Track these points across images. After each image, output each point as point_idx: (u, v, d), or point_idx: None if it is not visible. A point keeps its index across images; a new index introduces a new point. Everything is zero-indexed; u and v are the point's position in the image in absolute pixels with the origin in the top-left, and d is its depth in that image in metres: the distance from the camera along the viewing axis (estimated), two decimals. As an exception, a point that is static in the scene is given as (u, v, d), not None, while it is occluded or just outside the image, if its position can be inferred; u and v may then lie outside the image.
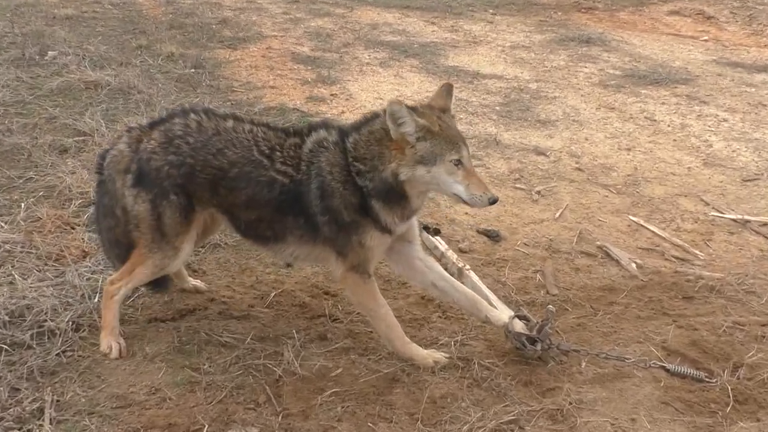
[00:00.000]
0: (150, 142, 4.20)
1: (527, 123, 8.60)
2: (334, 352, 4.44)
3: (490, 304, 4.70)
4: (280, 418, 3.88)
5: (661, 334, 4.67)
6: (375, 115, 4.25)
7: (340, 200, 4.09)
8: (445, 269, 5.18)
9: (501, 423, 3.80)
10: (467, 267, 5.23)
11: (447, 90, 4.28)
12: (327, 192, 4.08)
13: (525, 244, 5.85)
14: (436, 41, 12.29)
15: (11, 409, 3.81)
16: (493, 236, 5.92)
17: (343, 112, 8.66)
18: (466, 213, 6.33)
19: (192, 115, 4.26)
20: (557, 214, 6.39)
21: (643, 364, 4.28)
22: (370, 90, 9.55)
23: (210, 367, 4.22)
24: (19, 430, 3.70)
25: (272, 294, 5.00)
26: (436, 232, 5.87)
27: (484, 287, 4.97)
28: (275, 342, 4.48)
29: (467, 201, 4.00)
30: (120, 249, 4.43)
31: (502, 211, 6.40)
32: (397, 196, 4.09)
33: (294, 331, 4.56)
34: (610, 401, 4.01)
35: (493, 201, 4.00)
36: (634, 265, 5.55)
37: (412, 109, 4.04)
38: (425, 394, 4.03)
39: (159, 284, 4.70)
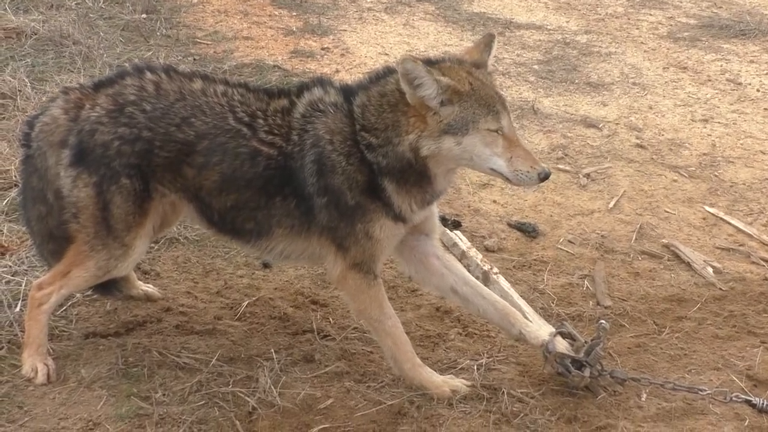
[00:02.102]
0: (95, 108, 4.17)
1: (574, 86, 8.61)
2: (323, 377, 4.45)
3: (525, 317, 4.71)
4: (253, 462, 3.89)
5: (745, 359, 4.68)
6: (387, 71, 4.23)
7: (343, 177, 4.08)
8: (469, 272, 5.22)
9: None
10: (495, 270, 5.23)
11: (487, 41, 4.29)
12: (326, 167, 4.08)
13: (569, 242, 5.86)
14: (458, -21, 12.30)
15: None
16: (528, 231, 5.93)
17: (337, 71, 8.66)
18: (495, 201, 6.34)
19: (149, 75, 4.24)
20: (611, 204, 6.40)
21: (723, 398, 4.28)
22: (373, 43, 9.55)
23: (164, 395, 4.23)
24: None
25: (245, 303, 5.01)
26: (456, 225, 5.88)
27: (516, 296, 4.97)
28: (248, 364, 4.49)
29: (510, 178, 4.00)
30: (55, 243, 4.43)
31: (540, 199, 6.41)
32: (416, 175, 4.09)
33: (272, 350, 4.57)
34: (677, 445, 4.03)
35: (545, 176, 3.99)
36: (710, 270, 5.56)
37: (433, 65, 4.02)
38: (440, 433, 4.04)
39: (101, 289, 4.72)
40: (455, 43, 9.69)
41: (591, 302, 5.20)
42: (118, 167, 4.11)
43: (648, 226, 6.12)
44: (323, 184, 4.08)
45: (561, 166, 6.91)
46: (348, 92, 4.21)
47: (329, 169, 4.06)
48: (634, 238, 5.95)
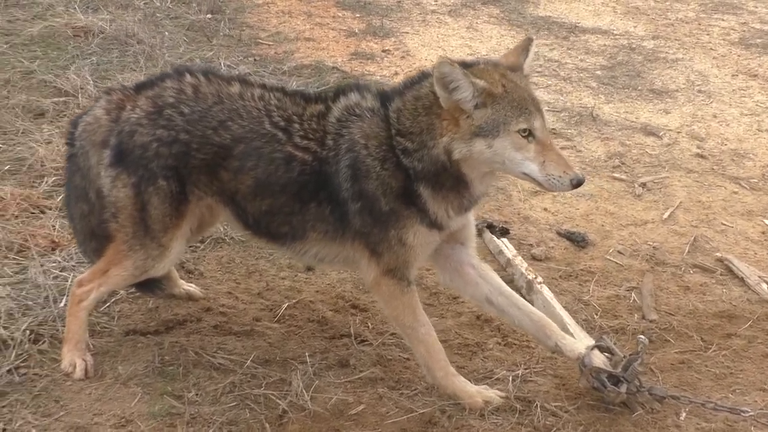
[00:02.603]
0: (135, 110, 4.22)
1: (636, 93, 8.47)
2: (356, 382, 4.44)
3: (565, 329, 4.64)
4: (280, 467, 3.89)
5: (795, 380, 4.55)
6: (422, 76, 4.22)
7: (378, 183, 4.07)
8: (511, 281, 5.18)
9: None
10: (539, 280, 5.18)
11: (524, 45, 4.22)
12: (361, 172, 4.07)
13: (619, 253, 5.76)
14: (527, -17, 12.20)
15: (-55, 440, 3.90)
16: (577, 241, 5.84)
17: (396, 73, 8.66)
18: (546, 209, 6.26)
19: (188, 78, 4.28)
20: (666, 214, 6.28)
21: (767, 420, 4.16)
22: (434, 45, 9.53)
23: (197, 395, 4.25)
24: (-48, 465, 3.78)
25: (284, 305, 5.02)
26: (504, 232, 5.82)
27: (558, 307, 4.91)
28: (282, 367, 4.49)
29: (542, 183, 3.94)
30: (97, 242, 4.48)
31: (593, 208, 6.31)
32: (452, 180, 4.06)
33: (307, 353, 4.57)
34: (715, 468, 3.92)
35: (577, 183, 3.91)
36: (765, 286, 5.41)
37: (468, 68, 3.99)
38: (469, 445, 4.00)
39: (145, 287, 4.77)
40: (518, 47, 9.59)
41: (636, 316, 5.09)
42: (155, 169, 4.14)
43: (702, 239, 5.98)
44: (357, 189, 4.06)
45: (616, 175, 6.81)
46: (384, 97, 4.20)
47: (364, 174, 4.05)
48: (686, 250, 5.82)
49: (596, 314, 5.08)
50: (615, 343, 4.51)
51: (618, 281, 5.44)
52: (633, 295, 5.29)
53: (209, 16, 9.93)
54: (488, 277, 4.41)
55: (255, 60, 8.76)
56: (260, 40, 9.37)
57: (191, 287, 5.04)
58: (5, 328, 4.58)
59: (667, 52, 9.68)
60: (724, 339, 4.91)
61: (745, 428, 4.15)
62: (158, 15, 9.85)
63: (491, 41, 9.76)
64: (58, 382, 4.32)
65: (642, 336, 4.28)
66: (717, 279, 5.52)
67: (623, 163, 6.99)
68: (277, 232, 4.29)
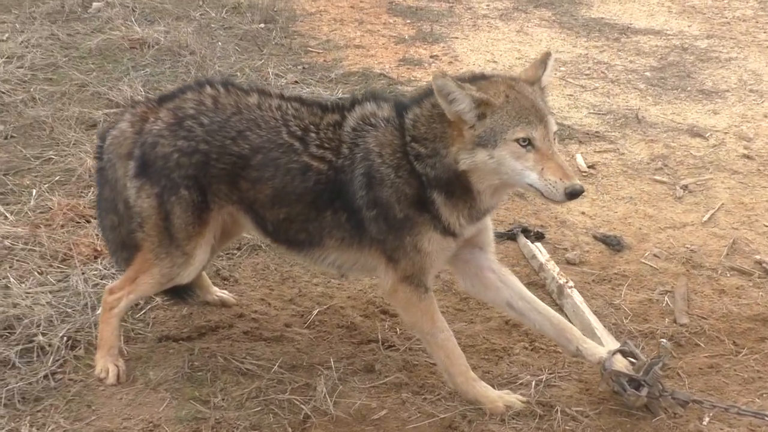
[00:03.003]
0: (157, 122, 4.34)
1: (685, 94, 8.37)
2: (381, 388, 4.48)
3: (593, 334, 4.63)
4: (300, 470, 3.95)
5: (824, 385, 4.46)
6: None
7: (392, 190, 4.11)
8: (543, 286, 5.18)
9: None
10: (570, 284, 5.15)
11: (543, 59, 4.22)
12: (375, 180, 4.12)
13: (655, 256, 5.70)
14: (581, -16, 12.12)
15: (-19, 442, 4.04)
16: (613, 244, 5.80)
17: (442, 78, 8.66)
18: (584, 213, 6.24)
19: (208, 89, 4.38)
20: (706, 217, 6.19)
21: (790, 424, 4.10)
22: (483, 50, 9.54)
23: (223, 400, 4.34)
24: (-14, 467, 3.92)
25: (315, 311, 5.09)
26: (539, 236, 5.81)
27: (587, 311, 4.89)
28: (309, 372, 4.56)
29: (542, 191, 3.90)
30: (128, 252, 4.62)
31: (631, 211, 6.26)
32: (462, 189, 4.09)
33: (332, 359, 4.63)
34: (733, 472, 3.87)
35: (573, 193, 3.85)
36: (803, 289, 5.31)
37: (476, 81, 4.05)
38: (488, 449, 4.01)
39: (177, 295, 4.89)
40: (567, 49, 9.60)
41: (667, 320, 5.03)
42: (177, 179, 4.25)
43: (743, 241, 5.88)
44: (372, 197, 4.11)
45: (658, 177, 6.74)
46: (401, 107, 4.24)
47: (378, 182, 4.09)
48: (725, 253, 5.73)
49: (626, 318, 5.03)
50: (641, 348, 4.50)
51: (652, 285, 5.38)
52: (666, 298, 5.23)
53: (262, 25, 10.11)
54: (509, 282, 4.42)
55: (304, 68, 8.87)
56: (310, 48, 9.49)
57: (224, 294, 5.14)
58: (44, 334, 4.73)
59: (720, 52, 9.53)
60: (757, 343, 4.83)
61: (769, 434, 4.08)
62: (213, 26, 10.07)
63: (541, 44, 9.72)
64: (91, 387, 4.45)
65: (664, 340, 4.23)
66: (754, 282, 5.43)
67: (666, 165, 6.91)
68: (295, 239, 4.36)
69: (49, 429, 4.15)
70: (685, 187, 6.56)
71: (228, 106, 4.31)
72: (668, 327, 4.95)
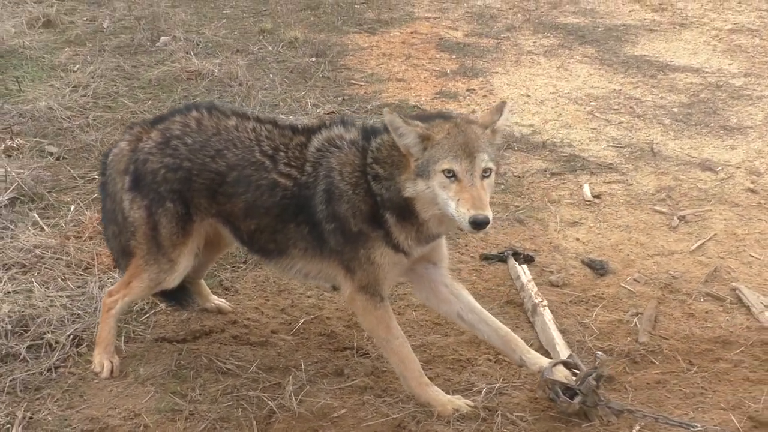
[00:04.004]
0: (148, 141, 4.84)
1: (707, 129, 8.52)
2: (345, 390, 4.84)
3: (553, 349, 4.93)
4: (257, 459, 4.34)
5: (763, 402, 4.63)
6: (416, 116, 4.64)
7: (348, 206, 4.50)
8: (521, 304, 5.48)
9: (496, 487, 4.02)
10: (544, 303, 5.44)
11: (499, 107, 4.50)
12: (334, 195, 4.51)
13: (635, 281, 5.92)
14: (630, 23, 12.31)
15: (-19, 423, 4.54)
16: (597, 268, 6.05)
17: (473, 111, 9.01)
18: (578, 239, 6.50)
19: (194, 113, 4.86)
20: (695, 245, 6.38)
21: (714, 435, 4.31)
22: (519, 85, 9.84)
23: (200, 395, 4.76)
24: (-20, 445, 4.42)
25: (301, 320, 5.49)
26: (528, 260, 6.11)
27: (553, 328, 5.18)
28: (283, 373, 4.95)
29: (456, 221, 4.21)
30: (126, 259, 5.07)
31: (624, 239, 6.49)
32: (409, 214, 4.45)
33: (303, 362, 5.02)
34: (649, 477, 4.11)
35: (476, 222, 4.11)
36: None
37: (430, 118, 4.45)
38: (427, 446, 4.33)
39: (177, 301, 5.35)
40: (602, 85, 9.82)
41: (629, 338, 5.27)
42: (164, 192, 4.72)
43: (725, 270, 6.05)
44: (331, 211, 4.50)
45: (658, 208, 6.94)
46: (370, 132, 4.62)
47: (337, 198, 4.48)
48: (704, 279, 5.92)
49: (593, 336, 5.27)
50: (593, 362, 4.75)
51: (625, 307, 5.62)
52: (636, 320, 5.46)
53: (313, 59, 10.62)
54: (460, 295, 4.75)
55: (343, 99, 9.33)
56: (353, 81, 9.94)
57: (221, 302, 5.58)
58: (53, 332, 5.23)
59: (753, 90, 9.63)
60: (710, 363, 5.02)
61: (690, 442, 4.29)
62: (268, 59, 10.65)
63: (577, 80, 9.98)
64: (86, 380, 4.93)
65: (600, 352, 4.50)
66: (725, 307, 5.60)
67: (669, 197, 7.11)
68: (266, 248, 4.78)
69: (42, 414, 4.64)
70: (682, 218, 6.75)
71: (209, 127, 4.77)
72: (628, 345, 5.18)
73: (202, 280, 5.57)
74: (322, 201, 4.52)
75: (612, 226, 6.69)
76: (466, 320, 4.73)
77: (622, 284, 5.90)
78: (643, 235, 6.56)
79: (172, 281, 4.90)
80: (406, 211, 4.42)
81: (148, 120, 5.09)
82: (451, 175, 4.19)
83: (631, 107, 9.12)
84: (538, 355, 4.65)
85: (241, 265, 6.08)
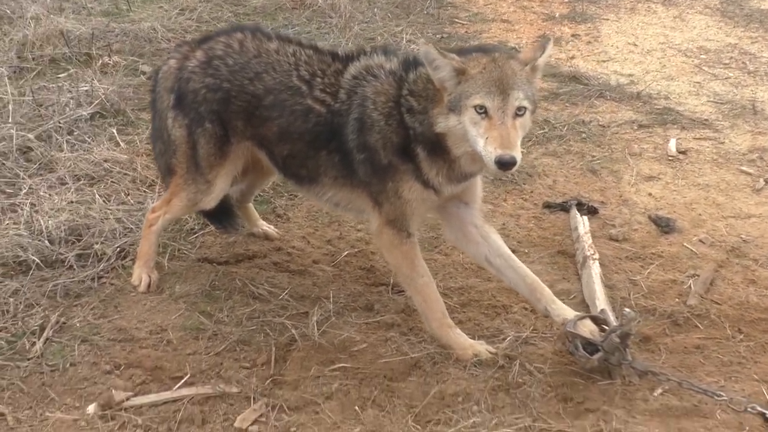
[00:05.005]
0: (192, 60, 4.84)
1: (823, 90, 8.00)
2: (372, 325, 4.80)
3: (593, 303, 4.75)
4: (268, 382, 4.35)
5: (805, 377, 4.37)
6: (459, 51, 4.49)
7: (379, 136, 4.40)
8: (573, 255, 5.31)
9: (494, 436, 3.92)
10: (595, 257, 5.25)
11: (542, 44, 4.33)
12: (366, 125, 4.42)
13: (700, 242, 5.64)
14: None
15: (18, 324, 4.69)
16: (662, 225, 5.78)
17: (573, 57, 8.73)
18: (650, 194, 6.23)
19: (238, 34, 4.83)
20: (775, 210, 6.02)
21: (738, 406, 4.07)
22: (628, 33, 9.47)
23: (226, 316, 4.81)
24: (12, 343, 4.55)
25: (345, 252, 5.46)
26: (591, 211, 5.89)
27: (597, 282, 4.99)
28: (313, 303, 4.93)
29: (483, 160, 4.07)
30: (171, 177, 5.10)
31: (701, 197, 6.19)
32: (441, 150, 4.32)
33: (336, 294, 4.99)
34: (658, 440, 3.92)
35: (501, 162, 3.94)
36: (838, 287, 5.12)
37: (467, 52, 4.28)
38: (435, 388, 4.23)
39: (224, 224, 5.40)
40: (718, 38, 9.37)
41: (678, 300, 5.03)
42: (203, 112, 4.73)
43: (803, 236, 5.69)
44: (362, 141, 4.42)
45: (745, 168, 6.59)
46: (411, 64, 4.47)
47: (368, 127, 4.39)
48: (776, 246, 5.58)
49: (639, 294, 5.06)
50: (638, 322, 4.55)
51: (683, 268, 5.36)
52: (690, 281, 5.20)
53: (424, -6, 10.39)
54: (489, 238, 4.61)
55: (442, 37, 9.16)
56: (457, 19, 9.76)
57: (269, 228, 5.60)
58: (103, 243, 5.35)
59: None
60: (761, 333, 4.74)
61: (710, 410, 4.07)
62: (378, -9, 10.45)
63: (692, 32, 9.53)
64: (124, 291, 5.05)
65: (628, 309, 4.30)
66: (792, 277, 5.28)
67: (761, 158, 6.73)
68: (298, 174, 4.75)
69: (76, 321, 4.77)
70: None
71: (251, 49, 4.73)
72: (674, 306, 4.94)
73: (251, 205, 5.59)
74: (354, 130, 4.43)
75: (690, 183, 6.37)
76: (493, 264, 4.60)
77: (685, 244, 5.63)
78: (722, 195, 6.23)
79: (209, 202, 4.93)
80: (438, 146, 4.30)
81: (197, 39, 5.08)
82: (482, 111, 4.04)
83: (743, 63, 8.65)
84: (565, 306, 4.48)
85: (296, 195, 6.06)
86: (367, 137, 4.40)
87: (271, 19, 9.56)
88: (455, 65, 4.11)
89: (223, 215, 5.32)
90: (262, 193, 5.97)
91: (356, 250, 5.51)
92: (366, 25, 9.33)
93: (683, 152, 6.82)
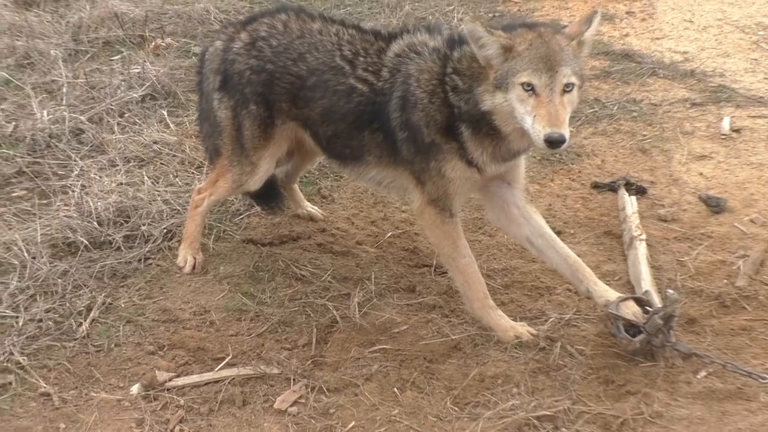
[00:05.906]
0: (237, 42, 4.85)
1: None
2: (413, 306, 4.80)
3: (638, 284, 4.69)
4: (308, 364, 4.37)
5: None
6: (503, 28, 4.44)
7: (423, 114, 4.37)
8: (620, 236, 5.24)
9: (533, 416, 3.88)
10: (642, 237, 5.18)
11: (589, 17, 4.28)
12: (409, 103, 4.39)
13: (751, 222, 5.51)
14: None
15: (66, 305, 4.77)
16: (712, 205, 5.67)
17: (627, 34, 8.60)
18: (701, 174, 6.11)
19: (281, 15, 4.83)
20: (832, 191, 5.85)
21: (784, 389, 4.00)
22: (684, 9, 9.26)
23: (269, 297, 4.85)
24: (59, 323, 4.63)
25: (389, 234, 5.45)
26: (640, 191, 5.81)
27: (643, 263, 4.93)
28: (356, 285, 4.95)
29: (532, 138, 4.02)
30: (217, 158, 5.15)
31: (754, 177, 6.04)
32: (488, 128, 4.28)
33: (379, 276, 4.99)
34: (700, 423, 3.85)
35: (550, 141, 3.91)
36: None
37: (512, 28, 4.22)
38: (475, 370, 4.22)
39: (270, 205, 5.42)
40: (778, 13, 9.11)
41: (726, 281, 4.92)
42: (248, 94, 4.75)
43: None
44: (405, 119, 4.40)
45: (800, 146, 6.42)
46: (456, 41, 4.42)
47: (411, 105, 4.37)
48: (831, 228, 5.44)
49: (686, 275, 4.97)
50: (683, 302, 4.49)
51: (733, 248, 5.25)
52: (740, 262, 5.08)
53: (478, -30, 10.27)
54: (531, 219, 4.57)
55: (493, 16, 9.06)
56: (512, -4, 9.63)
57: (314, 209, 5.62)
58: (150, 224, 5.41)
59: None
60: (811, 317, 4.64)
61: (754, 393, 3.99)
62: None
63: (751, 7, 9.27)
64: (169, 272, 5.12)
65: (671, 291, 4.22)
66: None
67: (820, 138, 6.55)
68: (342, 154, 4.76)
69: (122, 301, 4.86)
70: (827, 160, 6.21)
71: (294, 30, 4.73)
72: (722, 288, 4.84)
73: (296, 186, 5.61)
74: (397, 108, 4.41)
75: (743, 162, 6.23)
76: (535, 245, 4.56)
77: (736, 224, 5.51)
78: (778, 175, 6.07)
79: (254, 184, 4.95)
80: (484, 125, 4.26)
81: (242, 20, 5.09)
82: (529, 88, 4.00)
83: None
84: (607, 287, 4.42)
85: (344, 175, 6.06)
86: (410, 115, 4.37)
87: (322, -1, 9.53)
88: (502, 42, 4.07)
89: (268, 196, 5.33)
90: (307, 174, 5.99)
91: (400, 231, 5.50)
92: (417, 4, 9.27)
93: (737, 131, 6.66)
